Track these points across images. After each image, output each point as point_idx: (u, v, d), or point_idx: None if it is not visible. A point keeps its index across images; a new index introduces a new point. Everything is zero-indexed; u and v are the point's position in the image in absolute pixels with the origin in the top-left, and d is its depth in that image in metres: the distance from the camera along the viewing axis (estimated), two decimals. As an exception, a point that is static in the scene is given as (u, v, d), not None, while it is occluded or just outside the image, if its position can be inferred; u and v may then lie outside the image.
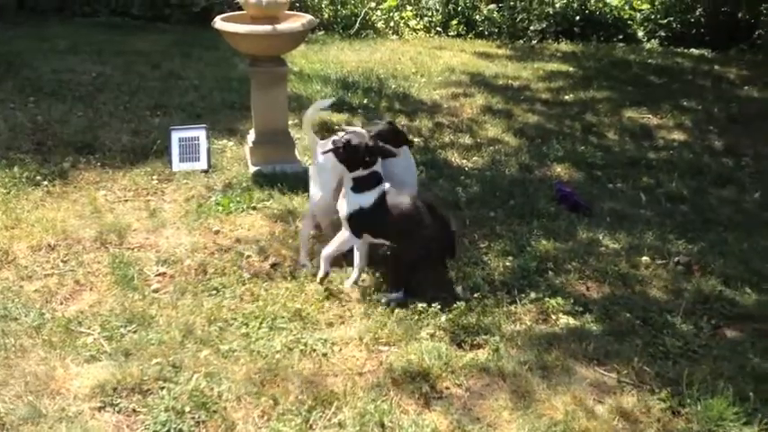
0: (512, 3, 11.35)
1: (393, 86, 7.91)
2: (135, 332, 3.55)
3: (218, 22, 5.21)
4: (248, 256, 4.30)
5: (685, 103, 8.05)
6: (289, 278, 4.09)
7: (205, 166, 5.45)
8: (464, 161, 6.05)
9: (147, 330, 3.56)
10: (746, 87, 8.91)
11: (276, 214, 4.79)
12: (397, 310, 3.78)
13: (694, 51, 10.88)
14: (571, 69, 9.36)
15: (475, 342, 3.60)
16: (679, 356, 3.53)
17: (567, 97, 8.09)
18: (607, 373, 3.40)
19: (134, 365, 3.28)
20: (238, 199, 4.98)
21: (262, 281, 4.05)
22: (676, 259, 4.44)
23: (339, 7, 10.82)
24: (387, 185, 3.95)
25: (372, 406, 3.07)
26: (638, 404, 3.18)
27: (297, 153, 5.60)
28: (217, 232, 4.56)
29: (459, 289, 4.03)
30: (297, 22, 5.34)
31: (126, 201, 4.97)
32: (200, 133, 5.58)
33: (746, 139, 6.97)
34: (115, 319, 3.64)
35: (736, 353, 3.56)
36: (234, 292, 3.94)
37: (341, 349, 3.49)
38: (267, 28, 5.12)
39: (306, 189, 5.02)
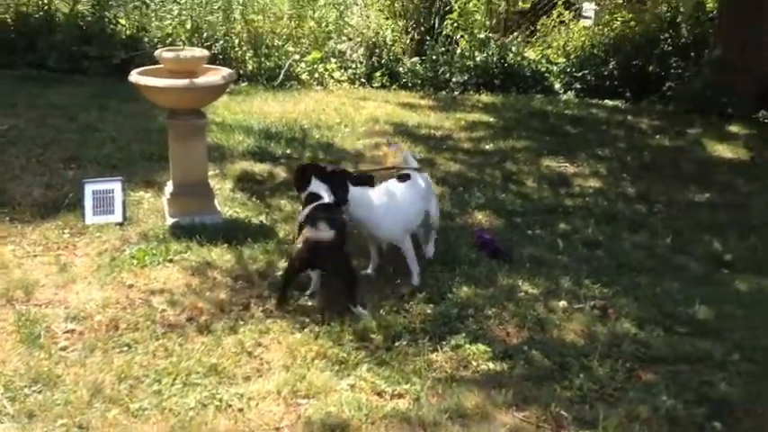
0: (434, 56, 11.60)
1: (317, 136, 7.94)
2: (40, 392, 3.39)
3: (134, 76, 5.15)
4: (163, 310, 4.18)
5: (600, 152, 8.32)
6: (205, 332, 3.99)
7: (120, 219, 5.31)
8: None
9: (53, 390, 3.40)
10: (658, 136, 9.27)
11: (193, 266, 4.69)
12: (316, 361, 3.73)
13: (608, 102, 11.30)
14: (492, 120, 9.58)
15: (396, 391, 3.56)
16: (596, 400, 3.57)
17: (487, 146, 8.26)
18: (526, 418, 3.41)
19: (38, 427, 3.12)
20: (154, 252, 4.85)
21: (176, 335, 3.93)
22: (592, 303, 4.53)
23: (263, 59, 10.85)
24: None
25: (290, 462, 2.99)
26: (556, 449, 3.19)
27: (216, 204, 5.53)
28: (130, 286, 4.42)
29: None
30: (216, 75, 5.33)
31: (35, 255, 4.78)
32: (115, 185, 5.44)
33: (658, 186, 7.23)
34: (19, 380, 3.47)
35: (650, 395, 3.62)
36: (146, 347, 3.81)
37: (258, 404, 3.40)
38: (185, 82, 5.10)
39: (225, 239, 5.00)
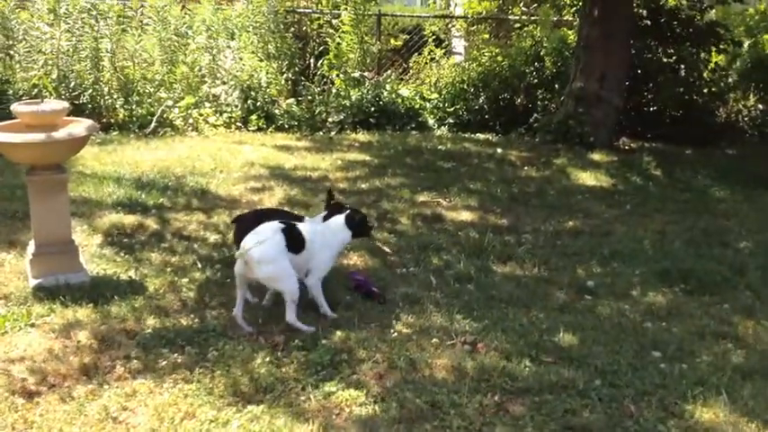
0: (309, 97, 11.70)
1: (191, 184, 7.82)
2: None
3: (-10, 132, 4.95)
4: (23, 379, 3.99)
5: (472, 186, 8.59)
6: (67, 399, 3.83)
7: (-23, 284, 5.05)
8: (261, 256, 6.03)
9: None
10: (526, 168, 9.67)
11: (57, 330, 4.51)
12: (184, 422, 3.65)
13: (480, 136, 11.71)
14: (368, 158, 9.73)
15: (267, 446, 3.53)
16: (465, 437, 3.65)
17: (363, 185, 8.38)
18: (397, 462, 3.45)
19: None
20: (15, 317, 4.65)
21: (37, 406, 3.75)
22: (462, 339, 4.64)
23: (135, 107, 10.62)
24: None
25: None
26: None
27: (82, 261, 5.34)
28: (-13, 356, 4.21)
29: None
30: (76, 127, 5.18)
31: None
32: (-29, 248, 5.18)
33: (526, 217, 7.52)
34: None
35: (517, 427, 3.73)
36: (5, 420, 3.63)
37: (122, 473, 3.28)
38: (41, 137, 4.94)
39: (91, 299, 4.84)
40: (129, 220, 6.52)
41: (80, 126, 5.24)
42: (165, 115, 10.61)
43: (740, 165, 10.67)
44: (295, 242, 4.74)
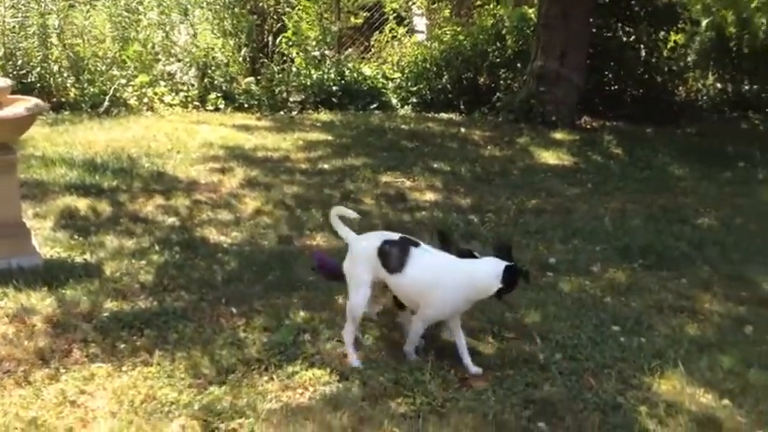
0: (269, 76, 11.54)
1: (147, 165, 7.67)
2: None
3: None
4: (-24, 366, 3.88)
5: (435, 165, 8.58)
6: (23, 384, 3.74)
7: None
8: (222, 237, 5.96)
9: None
10: (489, 147, 9.69)
11: (10, 314, 4.38)
12: (144, 404, 3.59)
13: (443, 115, 11.69)
14: (330, 138, 9.66)
15: (230, 427, 3.49)
16: (429, 413, 3.64)
17: (326, 166, 8.31)
18: (361, 440, 3.43)
19: None
20: (-34, 303, 4.51)
21: (-9, 391, 3.66)
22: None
23: (86, 85, 10.34)
24: None
25: None
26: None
27: (35, 245, 5.21)
28: (-62, 342, 4.08)
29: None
30: (19, 107, 5.02)
31: None
32: None
33: (489, 196, 7.54)
34: None
35: (479, 402, 3.74)
36: (-42, 407, 3.53)
37: (80, 457, 3.22)
38: (-19, 115, 4.77)
39: (45, 282, 4.73)
40: (83, 202, 6.37)
41: (24, 105, 5.07)
42: (118, 94, 10.35)
43: (699, 143, 10.83)
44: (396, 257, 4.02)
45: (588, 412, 3.70)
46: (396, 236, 4.18)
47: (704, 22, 13.35)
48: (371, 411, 3.64)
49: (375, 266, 4.06)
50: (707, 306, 5.13)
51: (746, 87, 13.88)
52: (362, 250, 4.13)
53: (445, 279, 3.96)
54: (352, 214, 4.41)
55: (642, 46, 12.73)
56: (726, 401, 3.87)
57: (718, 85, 13.74)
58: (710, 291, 5.39)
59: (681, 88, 13.50)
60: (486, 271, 3.93)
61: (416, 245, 4.08)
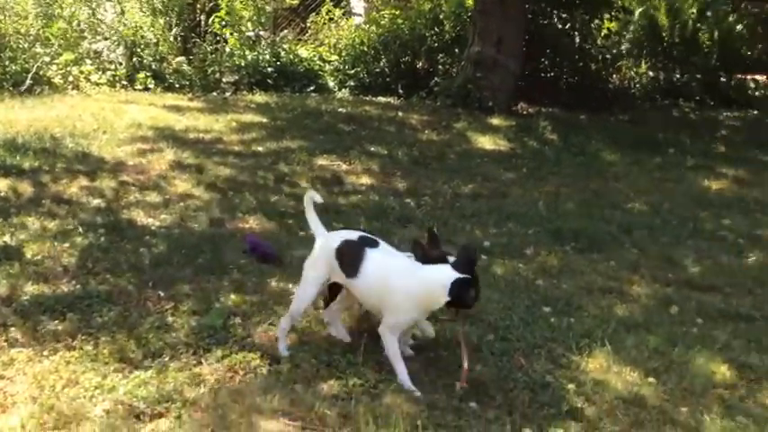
0: (201, 56, 11.29)
1: (71, 145, 7.41)
2: None
3: None
4: None
5: (372, 149, 8.55)
6: (-62, 370, 3.57)
7: None
8: (151, 220, 5.81)
9: None
10: (427, 131, 9.70)
11: None
12: (66, 389, 3.46)
13: (381, 99, 11.66)
14: (265, 120, 9.52)
15: (156, 411, 3.38)
16: (361, 395, 3.61)
17: (260, 148, 8.19)
18: (292, 422, 3.37)
19: None
20: None
21: None
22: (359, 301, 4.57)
23: (7, 63, 9.95)
24: None
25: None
26: (320, 451, 3.19)
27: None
28: None
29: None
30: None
31: None
32: None
33: (426, 180, 7.55)
34: None
35: (412, 381, 3.72)
36: None
37: (-3, 443, 3.08)
38: None
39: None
40: (3, 183, 6.14)
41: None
42: (41, 72, 10.00)
43: (631, 130, 11.09)
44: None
45: (518, 391, 3.72)
46: (356, 235, 3.93)
47: (637, 11, 13.65)
48: (303, 394, 3.58)
49: (332, 267, 3.86)
50: (635, 287, 5.23)
51: (678, 76, 14.26)
52: (320, 249, 3.97)
53: (397, 284, 3.65)
54: (318, 199, 4.25)
55: (577, 33, 12.92)
56: (651, 379, 3.94)
57: (651, 74, 14.07)
58: (639, 273, 5.51)
59: (615, 76, 13.79)
60: (436, 280, 3.55)
61: (375, 245, 3.83)
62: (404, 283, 3.62)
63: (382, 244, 3.88)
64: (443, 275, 3.51)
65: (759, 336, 4.52)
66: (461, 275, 3.49)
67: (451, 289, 3.46)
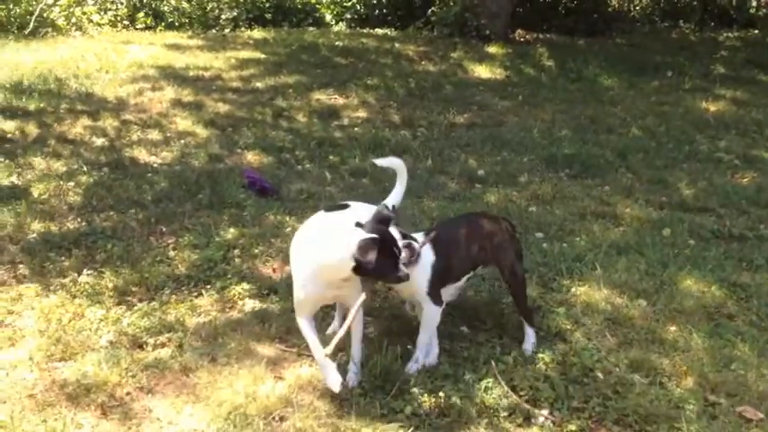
0: (200, -8, 11.24)
1: (74, 86, 7.48)
2: None
3: None
4: None
5: (369, 82, 8.55)
6: (-52, 308, 3.73)
7: None
8: (152, 158, 5.92)
9: None
10: (423, 63, 9.67)
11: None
12: (72, 322, 3.62)
13: (378, 31, 11.56)
14: (263, 56, 9.50)
15: (158, 341, 3.54)
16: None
17: (258, 84, 8.21)
18: (288, 348, 3.53)
19: None
20: None
21: None
22: (354, 230, 4.69)
23: (12, 6, 9.92)
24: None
25: (42, 428, 2.91)
26: (316, 373, 3.33)
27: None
28: None
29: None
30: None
31: None
32: None
33: (422, 111, 7.58)
34: None
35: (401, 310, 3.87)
36: None
37: (8, 374, 3.25)
38: None
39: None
40: (9, 125, 6.22)
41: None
42: (45, 14, 9.98)
43: (629, 53, 10.96)
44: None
45: (508, 316, 3.83)
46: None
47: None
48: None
49: None
50: (628, 211, 5.30)
51: (679, -4, 14.04)
52: None
53: (298, 253, 3.14)
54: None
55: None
56: (641, 301, 4.01)
57: (651, -5, 13.86)
58: (632, 196, 5.57)
59: (614, -1, 13.59)
60: (340, 241, 2.92)
61: (330, 209, 3.47)
62: (303, 251, 3.12)
63: (349, 211, 3.38)
64: (350, 237, 2.92)
65: (751, 255, 4.58)
66: (370, 235, 2.92)
67: (360, 250, 2.86)
